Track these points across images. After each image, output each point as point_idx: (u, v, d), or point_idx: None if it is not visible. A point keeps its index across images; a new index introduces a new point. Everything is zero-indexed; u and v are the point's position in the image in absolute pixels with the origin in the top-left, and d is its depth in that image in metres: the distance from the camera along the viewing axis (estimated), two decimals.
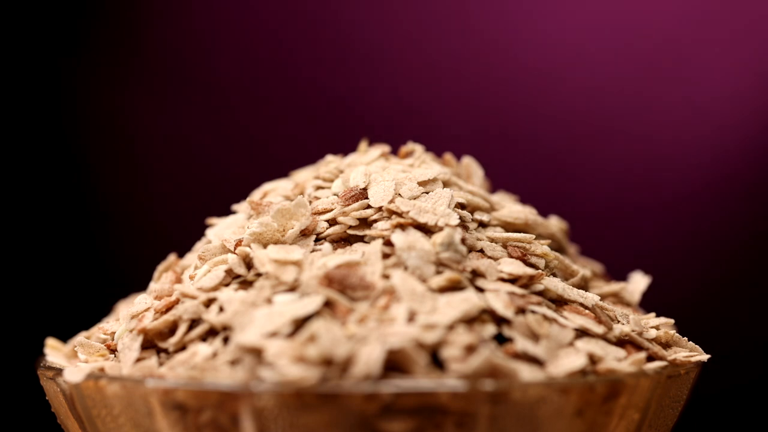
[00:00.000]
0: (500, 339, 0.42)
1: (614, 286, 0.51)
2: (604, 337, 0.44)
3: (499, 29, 0.83)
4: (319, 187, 0.50)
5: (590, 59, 0.82)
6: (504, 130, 0.82)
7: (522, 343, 0.41)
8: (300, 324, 0.41)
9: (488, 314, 0.42)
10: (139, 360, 0.44)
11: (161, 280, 0.48)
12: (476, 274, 0.44)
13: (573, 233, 0.54)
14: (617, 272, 0.55)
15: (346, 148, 0.54)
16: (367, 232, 0.46)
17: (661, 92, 0.82)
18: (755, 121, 0.79)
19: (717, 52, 0.81)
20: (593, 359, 0.43)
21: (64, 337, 0.50)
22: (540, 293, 0.45)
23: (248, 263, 0.45)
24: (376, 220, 0.46)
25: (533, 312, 0.43)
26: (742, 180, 0.80)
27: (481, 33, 0.82)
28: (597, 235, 0.67)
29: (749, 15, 0.81)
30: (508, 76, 0.82)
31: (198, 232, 0.51)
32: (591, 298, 0.46)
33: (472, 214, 0.48)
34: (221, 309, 0.43)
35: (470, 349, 0.40)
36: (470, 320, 0.42)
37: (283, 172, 0.53)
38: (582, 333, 0.44)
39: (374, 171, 0.49)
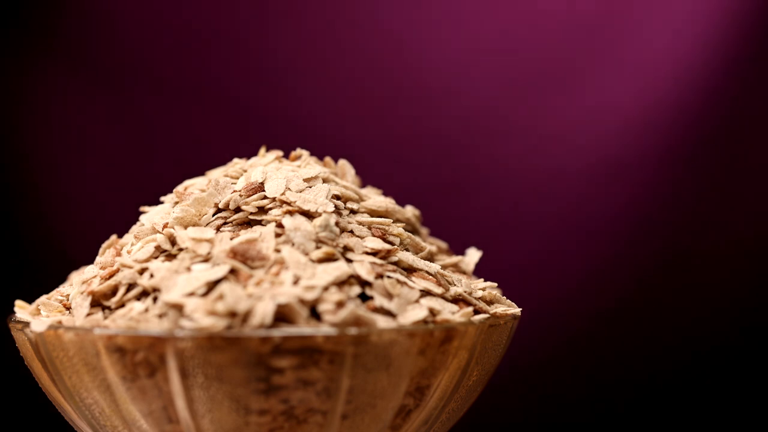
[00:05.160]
0: (363, 297, 0.45)
1: (454, 259, 0.52)
2: (442, 296, 0.47)
3: (383, 39, 0.83)
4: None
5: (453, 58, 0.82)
6: (373, 138, 0.83)
7: (379, 300, 0.44)
8: (212, 286, 0.44)
9: (355, 279, 0.45)
10: (88, 315, 0.46)
11: (105, 255, 0.50)
12: (347, 248, 0.46)
13: (426, 218, 0.55)
14: (460, 248, 0.55)
15: (249, 152, 0.54)
16: (264, 217, 0.48)
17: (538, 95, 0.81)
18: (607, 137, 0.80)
19: (603, 60, 0.80)
20: (433, 312, 0.45)
21: (30, 299, 0.51)
22: (395, 263, 0.47)
23: (172, 241, 0.47)
24: (271, 208, 0.48)
25: (389, 277, 0.46)
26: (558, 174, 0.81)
27: (363, 49, 0.83)
28: (447, 219, 0.68)
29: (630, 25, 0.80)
30: (384, 94, 0.83)
31: (134, 217, 0.52)
32: (434, 267, 0.48)
33: (345, 204, 0.49)
34: (152, 275, 0.45)
35: (340, 305, 0.43)
36: (341, 283, 0.44)
37: (200, 172, 0.54)
38: (426, 293, 0.46)
39: (270, 170, 0.50)
